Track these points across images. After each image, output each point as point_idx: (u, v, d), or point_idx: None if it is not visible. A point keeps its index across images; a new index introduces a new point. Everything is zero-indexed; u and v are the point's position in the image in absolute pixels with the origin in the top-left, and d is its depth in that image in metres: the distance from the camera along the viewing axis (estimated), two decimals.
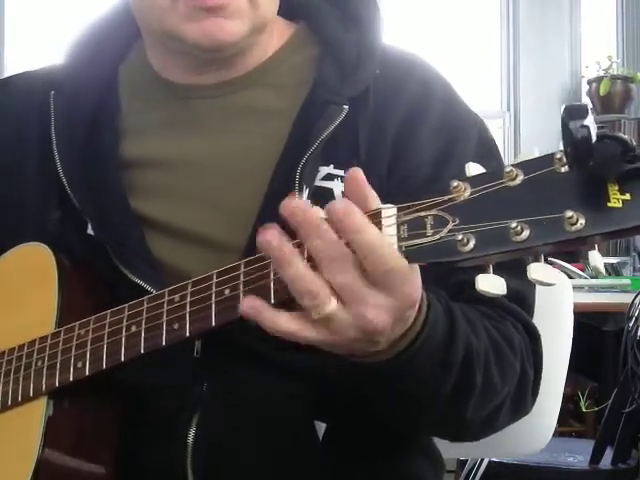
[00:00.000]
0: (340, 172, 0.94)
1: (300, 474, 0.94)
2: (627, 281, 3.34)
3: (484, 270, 0.66)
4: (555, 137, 4.42)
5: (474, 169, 0.68)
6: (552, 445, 1.51)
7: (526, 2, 4.70)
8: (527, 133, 4.63)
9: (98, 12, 1.08)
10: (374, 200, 0.71)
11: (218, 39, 0.93)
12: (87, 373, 0.86)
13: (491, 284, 0.66)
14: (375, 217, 0.69)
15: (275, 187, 0.93)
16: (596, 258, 0.63)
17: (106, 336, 0.86)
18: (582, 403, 3.46)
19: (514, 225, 0.63)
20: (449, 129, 0.98)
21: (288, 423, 0.93)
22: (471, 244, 0.65)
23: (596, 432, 2.78)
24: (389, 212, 0.69)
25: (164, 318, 0.81)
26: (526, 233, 0.63)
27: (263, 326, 0.71)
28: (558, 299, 1.34)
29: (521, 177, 0.64)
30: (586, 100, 4.65)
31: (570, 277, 3.18)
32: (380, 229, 0.69)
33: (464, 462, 2.55)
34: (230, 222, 0.95)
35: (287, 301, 0.72)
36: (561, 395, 1.38)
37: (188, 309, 0.80)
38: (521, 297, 0.94)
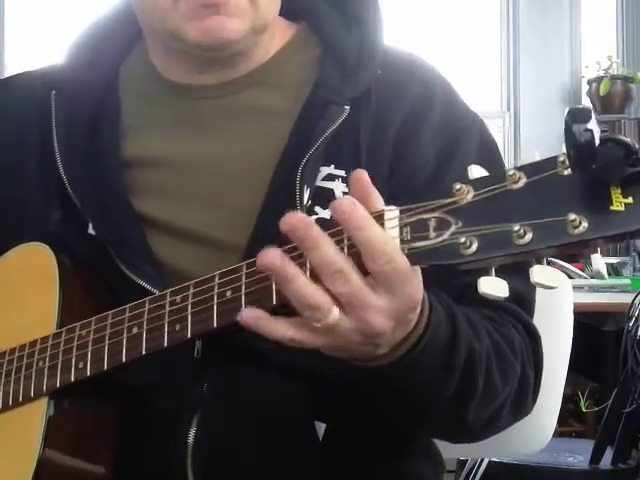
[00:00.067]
0: (341, 172, 0.94)
1: (300, 474, 0.94)
2: (627, 281, 3.34)
3: (486, 273, 0.66)
4: (555, 137, 4.42)
5: (477, 172, 0.68)
6: (552, 445, 1.51)
7: (526, 2, 4.70)
8: (527, 133, 4.63)
9: (99, 12, 1.08)
10: (378, 201, 0.71)
11: (219, 37, 0.93)
12: (88, 374, 0.86)
13: (493, 287, 0.66)
14: (378, 219, 0.69)
15: (276, 187, 0.93)
16: (598, 261, 0.63)
17: (107, 337, 0.86)
18: (582, 403, 3.46)
19: (517, 228, 0.63)
20: (450, 129, 0.98)
21: (288, 423, 0.93)
22: (474, 247, 0.65)
23: (596, 432, 2.78)
24: (392, 214, 0.69)
25: (166, 319, 0.81)
26: (529, 236, 0.63)
27: (264, 335, 0.72)
28: (558, 299, 1.34)
29: (524, 180, 0.64)
30: (586, 100, 4.65)
31: (570, 277, 3.18)
32: None
33: (464, 462, 2.55)
34: (231, 222, 0.95)
35: (289, 302, 0.72)
36: (561, 395, 1.38)
37: (190, 310, 0.80)
38: (521, 297, 0.94)
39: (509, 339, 0.91)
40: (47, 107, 1.01)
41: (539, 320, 0.99)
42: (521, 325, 0.95)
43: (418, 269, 0.70)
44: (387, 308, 0.70)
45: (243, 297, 0.75)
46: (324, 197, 0.92)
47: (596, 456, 2.45)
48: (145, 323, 0.83)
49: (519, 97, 4.69)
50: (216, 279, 0.78)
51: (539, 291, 0.97)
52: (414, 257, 0.68)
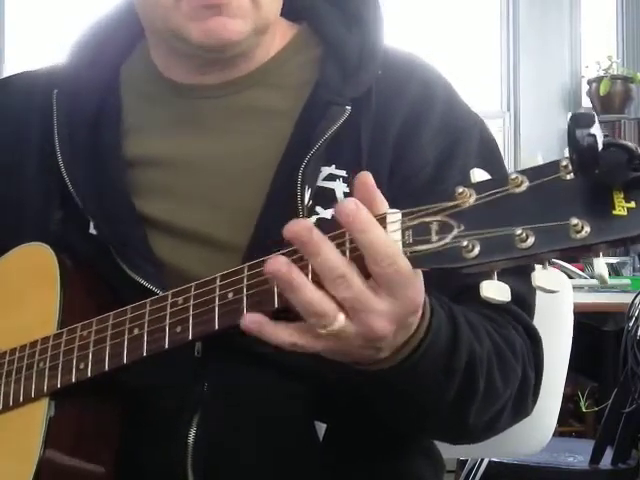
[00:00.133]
0: (342, 172, 0.94)
1: (300, 474, 0.94)
2: (627, 281, 3.34)
3: (489, 276, 0.66)
4: (555, 137, 4.43)
5: (479, 175, 0.68)
6: (552, 445, 1.51)
7: (526, 2, 4.70)
8: (527, 133, 4.63)
9: (100, 12, 1.08)
10: (382, 204, 0.71)
11: (222, 38, 0.93)
12: (89, 375, 0.86)
13: (496, 291, 0.66)
14: (380, 222, 0.69)
15: (277, 187, 0.93)
16: (601, 266, 0.63)
17: (109, 338, 0.86)
18: (582, 403, 3.47)
19: (519, 232, 0.63)
20: (451, 130, 0.98)
21: (288, 423, 0.93)
22: (476, 250, 0.65)
23: (596, 432, 2.78)
24: (394, 217, 0.69)
25: (167, 321, 0.81)
26: (531, 240, 0.63)
27: (266, 340, 0.72)
28: (558, 299, 1.34)
29: (526, 184, 0.64)
30: (586, 100, 4.66)
31: (570, 277, 3.18)
32: None
33: (464, 462, 2.55)
34: (232, 222, 0.95)
35: (293, 307, 0.71)
36: (561, 395, 1.38)
37: (191, 312, 0.80)
38: (522, 298, 0.94)
39: (510, 341, 0.91)
40: (48, 107, 1.01)
41: (539, 320, 0.99)
42: (521, 326, 0.95)
43: (420, 272, 0.70)
44: (389, 311, 0.70)
45: (245, 299, 0.75)
46: (325, 197, 0.92)
47: (596, 456, 2.45)
48: (146, 324, 0.83)
49: (519, 97, 4.69)
50: (217, 281, 0.78)
51: (539, 292, 0.97)
52: (416, 260, 0.68)
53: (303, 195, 0.90)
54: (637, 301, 2.48)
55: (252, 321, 0.72)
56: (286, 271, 0.68)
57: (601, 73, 4.54)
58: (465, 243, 0.65)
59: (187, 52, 0.97)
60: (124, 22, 1.06)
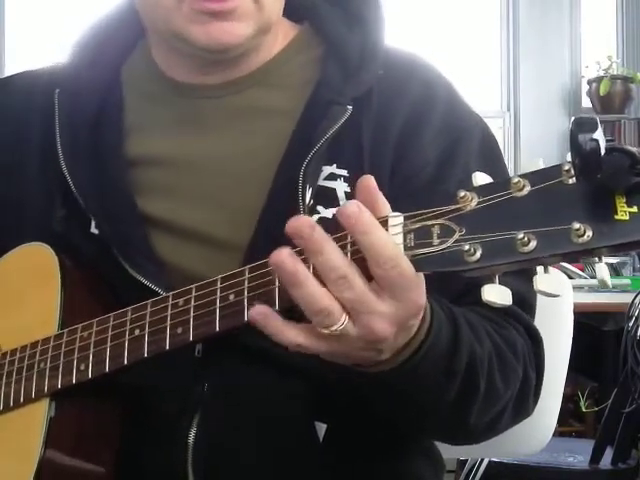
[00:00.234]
0: (343, 172, 0.94)
1: (300, 474, 0.94)
2: (627, 281, 3.34)
3: (490, 280, 0.66)
4: (555, 137, 4.43)
5: (481, 179, 0.68)
6: (552, 445, 1.51)
7: (526, 2, 4.70)
8: (527, 133, 4.63)
9: (100, 12, 1.08)
10: (385, 207, 0.71)
11: (222, 42, 0.93)
12: (90, 376, 0.86)
13: (497, 294, 0.66)
14: (382, 225, 0.69)
15: (278, 186, 0.93)
16: (603, 270, 0.63)
17: (109, 339, 0.86)
18: (582, 403, 3.47)
19: (521, 236, 0.63)
20: (452, 130, 0.98)
21: (288, 423, 0.93)
22: (477, 254, 0.65)
23: (596, 432, 2.78)
24: (396, 220, 0.69)
25: (168, 322, 0.81)
26: (533, 244, 0.63)
27: (269, 335, 0.71)
28: (558, 299, 1.34)
29: (528, 188, 0.64)
30: (586, 100, 4.66)
31: (570, 277, 3.19)
32: None
33: (464, 462, 2.55)
34: (233, 221, 0.95)
35: (290, 307, 0.71)
36: (561, 395, 1.38)
37: (192, 314, 0.80)
38: (522, 299, 0.94)
39: (510, 341, 0.91)
40: (49, 107, 1.01)
41: (539, 320, 0.99)
42: (522, 327, 0.95)
43: (422, 275, 0.70)
44: (391, 314, 0.70)
45: (246, 301, 0.75)
46: (326, 196, 0.92)
47: (596, 456, 2.45)
48: (147, 326, 0.83)
49: (519, 97, 4.69)
50: (218, 283, 0.78)
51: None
52: (417, 264, 0.68)
53: (304, 194, 0.90)
54: (637, 301, 2.48)
55: (259, 312, 0.71)
56: (290, 263, 0.68)
57: (601, 73, 4.55)
58: (467, 247, 0.65)
59: (189, 52, 0.97)
60: (125, 22, 1.06)
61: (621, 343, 2.46)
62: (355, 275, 0.69)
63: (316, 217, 0.91)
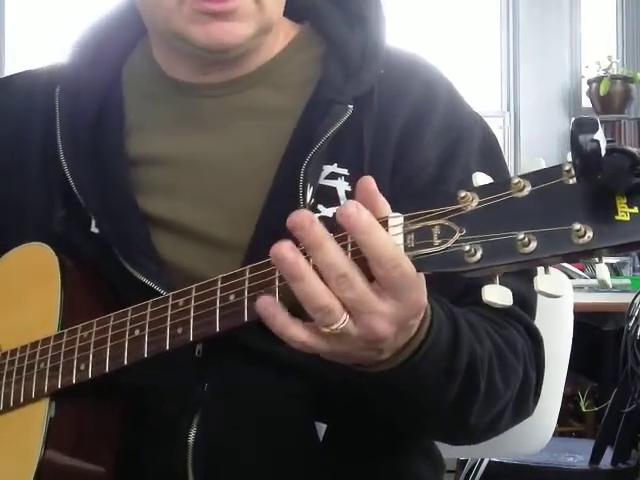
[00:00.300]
0: (344, 171, 0.94)
1: (300, 474, 0.94)
2: (627, 281, 3.34)
3: (490, 280, 0.66)
4: (555, 137, 4.43)
5: (481, 179, 0.68)
6: (552, 445, 1.51)
7: (526, 2, 4.70)
8: (527, 133, 4.63)
9: (101, 12, 1.08)
10: (384, 207, 0.71)
11: (224, 42, 0.93)
12: (90, 376, 0.86)
13: (498, 295, 0.66)
14: (382, 225, 0.68)
15: (279, 185, 0.93)
16: (603, 271, 0.63)
17: (109, 339, 0.85)
18: (582, 403, 3.47)
19: (521, 237, 0.63)
20: (453, 129, 0.98)
21: (288, 423, 0.93)
22: (478, 255, 0.65)
23: (596, 432, 2.78)
24: (396, 221, 0.69)
25: (168, 322, 0.81)
26: (533, 245, 0.63)
27: (273, 329, 0.71)
28: (558, 299, 1.34)
29: (529, 188, 0.64)
30: (586, 100, 4.66)
31: (570, 277, 3.19)
32: None
33: (464, 462, 2.55)
34: (234, 220, 0.95)
35: (291, 308, 0.71)
36: (561, 395, 1.38)
37: (192, 314, 0.79)
38: (523, 299, 0.94)
39: (511, 341, 0.91)
40: (50, 107, 1.01)
41: (539, 320, 0.99)
42: (523, 327, 0.95)
43: (422, 275, 0.70)
44: (391, 314, 0.70)
45: (246, 301, 0.75)
46: (327, 195, 0.92)
47: (596, 456, 2.45)
48: (147, 326, 0.83)
49: (519, 97, 4.69)
50: (219, 283, 0.78)
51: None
52: (418, 264, 0.68)
53: (305, 193, 0.90)
54: (637, 301, 2.48)
55: (266, 306, 0.71)
56: (292, 254, 0.68)
57: (601, 73, 4.54)
58: (467, 247, 0.65)
59: (189, 52, 0.97)
60: (125, 22, 1.06)
61: (621, 343, 2.46)
62: (356, 274, 0.68)
63: (317, 216, 0.91)
